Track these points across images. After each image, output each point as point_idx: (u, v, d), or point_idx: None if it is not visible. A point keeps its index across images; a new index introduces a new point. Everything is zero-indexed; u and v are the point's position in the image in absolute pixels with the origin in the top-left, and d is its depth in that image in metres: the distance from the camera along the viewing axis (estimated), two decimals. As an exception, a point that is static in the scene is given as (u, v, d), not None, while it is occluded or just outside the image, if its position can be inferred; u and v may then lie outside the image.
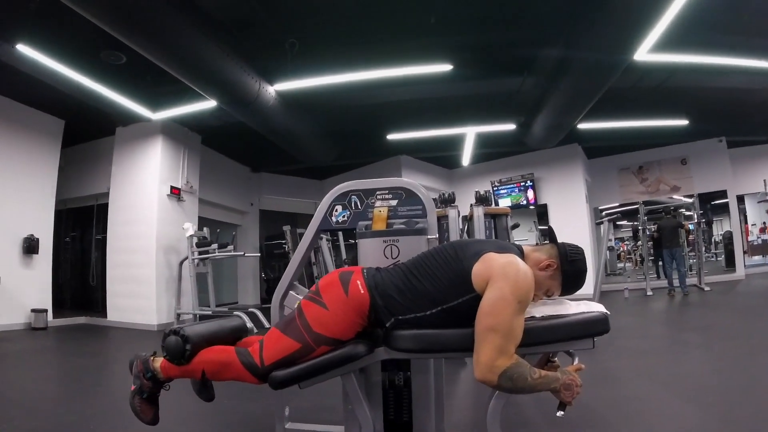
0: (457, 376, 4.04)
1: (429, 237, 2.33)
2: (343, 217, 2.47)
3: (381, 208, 2.40)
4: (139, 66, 6.20)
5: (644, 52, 6.09)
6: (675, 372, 3.81)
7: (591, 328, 1.77)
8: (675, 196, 11.83)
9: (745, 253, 12.23)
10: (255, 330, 2.59)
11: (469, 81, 7.35)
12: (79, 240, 10.10)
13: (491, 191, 11.28)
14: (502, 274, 1.72)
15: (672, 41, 5.97)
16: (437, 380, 2.30)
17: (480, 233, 4.82)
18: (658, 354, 4.62)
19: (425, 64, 6.54)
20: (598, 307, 1.84)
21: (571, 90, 7.09)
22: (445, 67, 6.53)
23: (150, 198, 8.16)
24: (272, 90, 6.85)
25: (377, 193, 2.45)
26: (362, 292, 1.89)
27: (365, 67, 6.60)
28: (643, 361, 4.20)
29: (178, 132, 8.65)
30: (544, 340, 1.78)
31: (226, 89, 6.31)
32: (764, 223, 13.71)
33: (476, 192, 5.45)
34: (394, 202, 2.42)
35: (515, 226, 7.08)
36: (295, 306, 2.05)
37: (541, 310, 1.88)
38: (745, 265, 11.49)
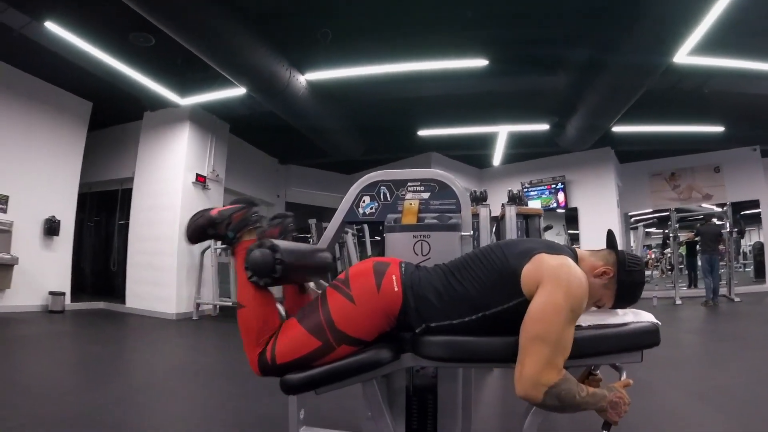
0: (484, 382, 3.85)
1: (463, 234, 2.15)
2: (371, 208, 2.30)
3: (412, 201, 2.24)
4: (167, 49, 6.13)
5: (684, 55, 5.93)
6: (712, 384, 3.59)
7: (640, 340, 1.59)
8: (704, 205, 11.55)
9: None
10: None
11: (503, 77, 7.15)
12: (103, 224, 10.09)
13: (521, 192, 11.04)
14: (554, 278, 1.52)
15: (711, 44, 5.81)
16: (465, 387, 2.12)
17: (512, 234, 4.61)
18: (692, 365, 4.43)
19: (460, 58, 6.39)
20: (647, 317, 1.67)
21: (607, 90, 6.87)
22: (481, 62, 6.38)
23: (175, 185, 8.08)
24: (303, 79, 6.72)
25: (408, 184, 2.28)
26: (396, 290, 1.66)
27: (398, 60, 6.49)
28: (677, 372, 3.99)
29: (206, 119, 8.56)
30: (590, 352, 1.58)
31: (256, 76, 6.20)
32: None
33: (509, 191, 5.26)
34: (426, 195, 2.25)
35: (548, 227, 6.87)
36: (319, 292, 1.85)
37: (587, 318, 1.68)
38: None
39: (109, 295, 8.89)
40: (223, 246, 7.66)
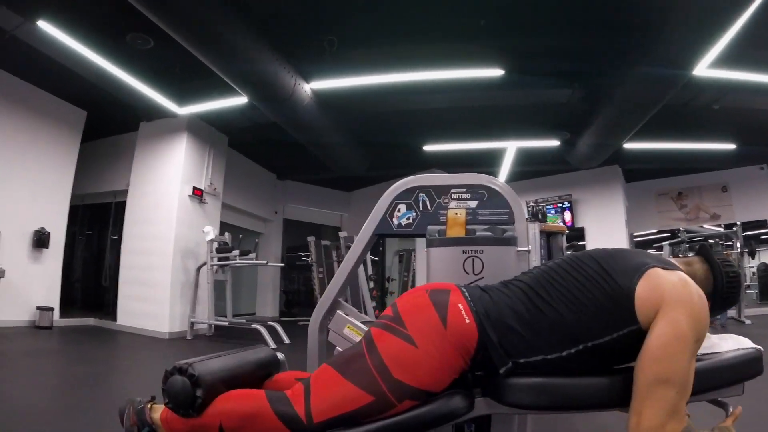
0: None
1: (519, 249, 1.84)
2: (408, 219, 1.99)
3: (457, 210, 1.92)
4: (166, 53, 5.87)
5: (704, 68, 5.66)
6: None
7: (744, 370, 1.32)
8: (706, 225, 11.37)
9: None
10: (287, 366, 1.82)
11: (516, 90, 6.88)
12: (95, 238, 9.74)
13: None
14: (677, 301, 1.23)
15: (729, 58, 5.57)
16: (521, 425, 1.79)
17: (534, 254, 4.30)
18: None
19: (473, 68, 6.13)
20: (746, 342, 1.40)
21: (623, 105, 6.61)
22: (496, 72, 6.12)
23: (171, 198, 7.74)
24: (308, 88, 6.43)
25: (452, 191, 1.96)
26: (467, 321, 1.31)
27: (407, 69, 6.21)
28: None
29: (204, 130, 8.26)
30: (695, 388, 1.24)
31: (260, 83, 5.90)
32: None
33: (530, 205, 4.95)
34: (473, 204, 1.93)
35: (572, 246, 6.57)
36: (358, 334, 1.50)
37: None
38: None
39: (100, 311, 8.49)
40: (221, 263, 7.37)
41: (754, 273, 12.91)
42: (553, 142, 8.71)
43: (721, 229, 11.13)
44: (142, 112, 7.87)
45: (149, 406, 1.56)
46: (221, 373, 1.49)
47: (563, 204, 11.04)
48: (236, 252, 7.34)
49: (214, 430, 1.39)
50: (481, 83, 6.44)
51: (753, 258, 10.98)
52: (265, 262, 7.97)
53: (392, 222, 2.00)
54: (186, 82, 6.75)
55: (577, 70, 6.55)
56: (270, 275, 11.47)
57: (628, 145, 8.59)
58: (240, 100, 6.81)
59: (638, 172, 11.01)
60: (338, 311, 2.03)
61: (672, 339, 1.19)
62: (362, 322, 2.03)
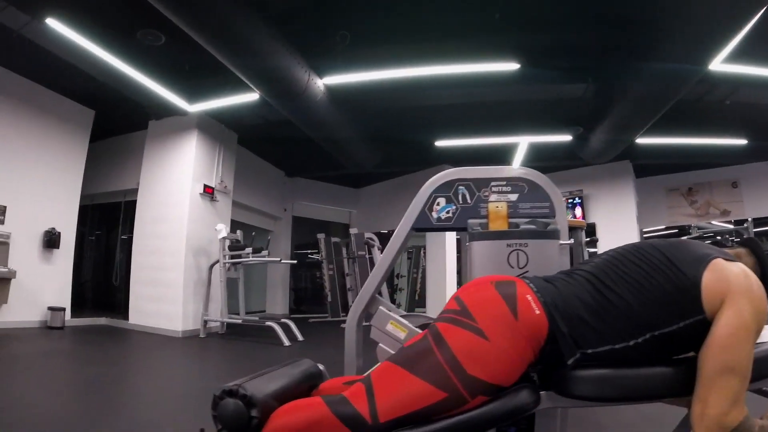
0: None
1: (561, 242, 1.82)
2: (447, 212, 1.95)
3: (498, 204, 1.89)
4: (177, 50, 5.84)
5: (718, 62, 5.57)
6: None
7: None
8: (715, 222, 11.17)
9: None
10: (328, 376, 1.71)
11: (531, 84, 6.84)
12: (104, 237, 9.70)
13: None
14: (742, 292, 1.23)
15: (743, 52, 5.52)
16: (563, 425, 1.74)
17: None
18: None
19: (488, 62, 6.06)
20: None
21: (638, 101, 6.55)
22: (512, 66, 6.05)
23: (182, 196, 7.70)
24: (321, 83, 6.37)
25: (492, 184, 1.93)
26: (537, 312, 1.28)
27: (420, 64, 6.14)
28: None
29: (214, 128, 8.23)
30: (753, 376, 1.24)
31: (274, 78, 5.82)
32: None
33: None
34: (513, 197, 1.90)
35: (592, 241, 6.51)
36: (402, 331, 1.44)
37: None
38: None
39: (112, 311, 8.46)
40: (233, 261, 7.33)
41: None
42: (566, 137, 8.64)
43: (731, 226, 11.03)
44: (152, 111, 7.84)
45: None
46: (272, 390, 1.41)
47: (574, 199, 10.95)
48: (249, 249, 7.31)
49: None
50: (496, 78, 6.37)
51: (764, 254, 10.91)
52: (278, 259, 7.94)
53: (431, 216, 1.98)
54: (196, 79, 6.70)
55: (591, 66, 6.49)
56: (280, 273, 11.45)
57: (639, 140, 8.50)
58: (251, 96, 6.76)
59: (648, 167, 10.90)
60: (380, 307, 2.00)
61: (738, 328, 1.19)
62: (402, 317, 2.00)
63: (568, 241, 1.85)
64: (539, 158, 9.89)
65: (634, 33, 5.62)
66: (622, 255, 1.42)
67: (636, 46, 5.77)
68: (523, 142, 9.08)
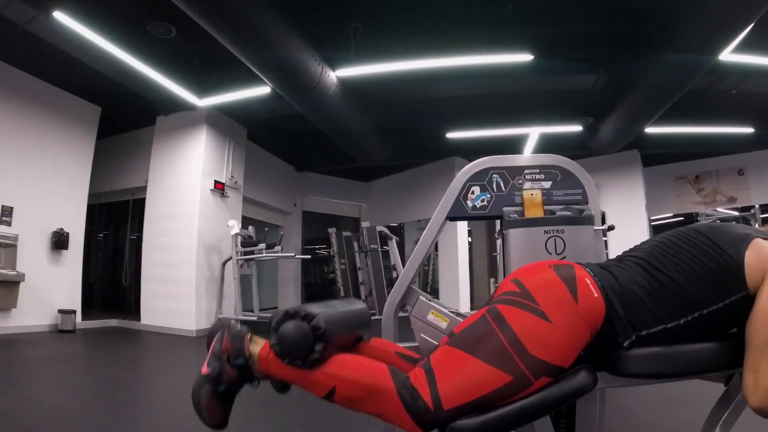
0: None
1: (596, 228, 1.87)
2: (482, 200, 1.97)
3: (533, 191, 1.93)
4: (188, 43, 5.77)
5: (728, 53, 5.63)
6: None
7: None
8: (721, 209, 11.27)
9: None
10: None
11: (542, 75, 6.85)
12: (113, 237, 9.59)
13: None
14: None
15: (751, 42, 5.60)
16: (601, 408, 1.71)
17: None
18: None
19: (501, 53, 6.07)
20: None
21: (647, 91, 6.60)
22: (526, 57, 6.04)
23: (192, 192, 7.60)
24: (334, 76, 6.32)
25: (525, 172, 1.97)
26: (596, 296, 1.31)
27: (432, 56, 6.13)
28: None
29: (223, 123, 8.13)
30: None
31: (287, 70, 5.76)
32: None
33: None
34: (546, 185, 1.95)
35: (611, 228, 6.46)
36: (444, 320, 1.39)
37: None
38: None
39: (122, 311, 8.40)
40: (246, 257, 7.24)
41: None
42: (576, 128, 8.66)
43: (736, 213, 11.17)
44: (160, 106, 7.75)
45: (249, 336, 1.42)
46: (339, 329, 1.38)
47: (583, 189, 10.91)
48: (262, 245, 7.25)
49: (321, 389, 1.31)
50: (508, 69, 6.38)
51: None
52: (293, 254, 7.90)
53: (466, 204, 1.99)
54: (206, 72, 6.66)
55: (602, 57, 6.51)
56: (291, 268, 11.38)
57: (648, 130, 8.52)
58: (262, 90, 6.70)
59: (656, 156, 10.92)
60: (420, 297, 1.98)
61: None
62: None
63: (603, 227, 1.90)
64: (549, 149, 9.82)
65: (646, 24, 5.65)
66: (668, 240, 1.47)
67: (647, 37, 5.80)
68: (533, 133, 9.08)
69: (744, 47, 5.62)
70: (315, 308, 1.33)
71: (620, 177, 10.60)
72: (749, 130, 9.15)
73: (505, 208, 1.91)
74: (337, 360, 1.32)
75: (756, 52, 5.98)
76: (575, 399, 1.32)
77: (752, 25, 4.94)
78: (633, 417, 3.02)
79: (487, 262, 12.19)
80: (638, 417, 3.04)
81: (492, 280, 11.41)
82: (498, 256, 8.71)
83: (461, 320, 1.66)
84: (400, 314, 1.96)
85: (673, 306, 1.32)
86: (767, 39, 5.69)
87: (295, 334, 1.27)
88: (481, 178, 1.97)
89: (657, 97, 6.74)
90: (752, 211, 10.66)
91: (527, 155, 2.03)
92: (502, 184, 1.97)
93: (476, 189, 1.97)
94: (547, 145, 9.59)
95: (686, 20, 5.08)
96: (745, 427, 1.51)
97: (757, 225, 9.86)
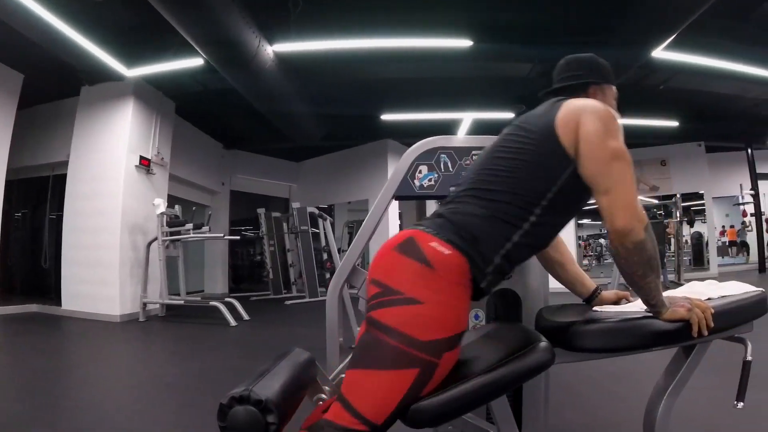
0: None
1: None
2: (430, 180, 2.06)
3: None
4: (119, 7, 5.53)
5: (660, 49, 5.95)
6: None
7: (754, 310, 1.46)
8: (643, 197, 11.78)
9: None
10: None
11: (478, 61, 6.97)
12: (31, 216, 9.02)
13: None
14: (587, 109, 1.35)
15: (681, 41, 5.89)
16: (546, 384, 1.91)
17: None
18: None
19: (443, 37, 6.14)
20: (747, 287, 1.55)
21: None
22: (465, 43, 6.13)
23: (116, 168, 7.19)
24: (271, 50, 6.16)
25: (472, 153, 2.06)
26: (447, 252, 1.27)
27: (372, 36, 6.12)
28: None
29: (151, 96, 7.73)
30: (716, 327, 1.34)
31: (223, 41, 5.51)
32: (723, 226, 14.64)
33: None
34: None
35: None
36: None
37: (699, 292, 1.52)
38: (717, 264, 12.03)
39: (42, 296, 7.90)
40: (173, 238, 7.01)
41: (686, 242, 13.73)
42: (508, 115, 8.79)
43: (656, 201, 11.97)
44: (86, 75, 7.27)
45: None
46: (281, 391, 1.33)
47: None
48: (190, 225, 7.00)
49: None
50: (447, 53, 6.45)
51: (692, 227, 11.68)
52: (221, 235, 7.66)
53: (413, 183, 2.06)
54: (136, 41, 6.36)
55: (539, 45, 6.59)
56: (219, 250, 11.10)
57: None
58: (194, 62, 6.48)
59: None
60: (364, 279, 2.00)
61: (597, 126, 1.30)
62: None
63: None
64: (481, 134, 9.97)
65: (587, 15, 5.84)
66: (487, 155, 1.48)
67: (588, 28, 5.98)
68: (466, 118, 9.26)
69: (674, 45, 5.89)
70: (256, 385, 1.28)
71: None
72: (674, 123, 9.83)
73: (452, 188, 1.90)
74: None
75: (685, 50, 6.29)
76: (534, 376, 1.30)
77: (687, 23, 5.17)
78: (573, 393, 3.12)
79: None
80: (577, 392, 3.15)
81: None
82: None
83: None
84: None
85: (515, 211, 1.32)
86: (697, 38, 5.98)
87: (243, 420, 1.23)
88: (428, 157, 2.05)
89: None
90: (673, 199, 11.22)
91: (476, 136, 2.10)
92: (449, 164, 2.06)
93: (424, 168, 2.05)
94: (480, 130, 9.65)
95: (629, 12, 5.28)
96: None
97: (678, 213, 10.41)
